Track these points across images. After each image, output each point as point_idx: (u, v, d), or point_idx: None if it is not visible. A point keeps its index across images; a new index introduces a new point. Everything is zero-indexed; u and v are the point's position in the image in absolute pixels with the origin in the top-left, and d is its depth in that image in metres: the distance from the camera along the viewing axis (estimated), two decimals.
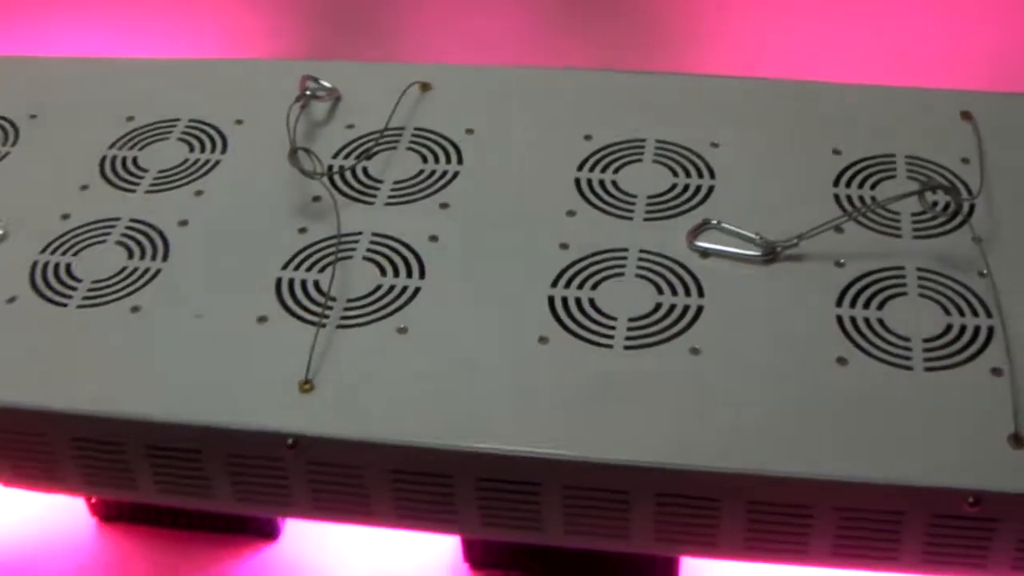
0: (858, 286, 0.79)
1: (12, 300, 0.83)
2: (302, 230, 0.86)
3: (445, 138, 0.94)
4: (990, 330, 0.76)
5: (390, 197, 0.89)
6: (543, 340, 0.77)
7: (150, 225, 0.88)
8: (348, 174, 0.91)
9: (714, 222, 0.84)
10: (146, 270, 0.84)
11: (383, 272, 0.83)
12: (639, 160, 0.90)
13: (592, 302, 0.80)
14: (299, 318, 0.80)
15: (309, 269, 0.83)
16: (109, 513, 0.89)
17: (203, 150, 0.94)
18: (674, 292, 0.80)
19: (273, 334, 0.79)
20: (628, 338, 0.77)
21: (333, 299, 0.81)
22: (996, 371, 0.73)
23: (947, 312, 0.77)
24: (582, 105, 0.95)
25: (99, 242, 0.87)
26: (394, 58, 1.16)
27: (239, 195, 0.90)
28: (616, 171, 0.89)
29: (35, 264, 0.85)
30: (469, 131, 0.94)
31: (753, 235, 0.82)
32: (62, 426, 0.76)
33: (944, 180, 0.86)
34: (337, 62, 1.02)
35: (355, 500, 0.75)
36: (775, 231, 0.82)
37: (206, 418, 0.74)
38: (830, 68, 1.06)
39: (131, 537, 0.88)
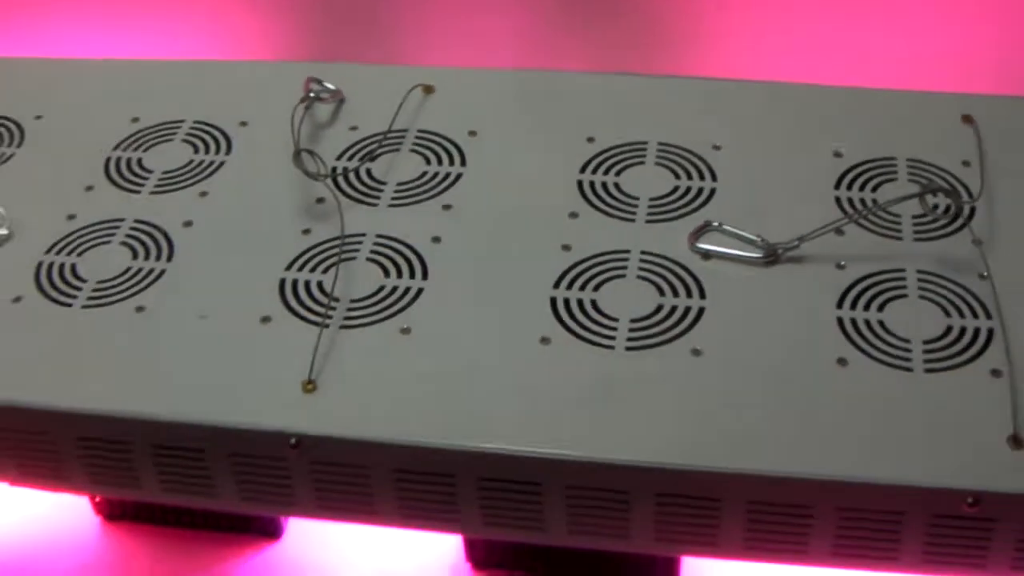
0: (859, 288, 0.79)
1: (17, 300, 0.83)
2: (306, 231, 0.87)
3: (448, 140, 0.94)
4: (990, 332, 0.76)
5: (393, 199, 0.89)
6: (545, 341, 0.78)
7: (155, 226, 0.88)
8: (352, 176, 0.91)
9: (715, 224, 0.84)
10: (151, 271, 0.85)
11: (386, 273, 0.83)
12: (641, 162, 0.91)
13: (594, 303, 0.80)
14: (303, 318, 0.80)
15: (313, 270, 0.84)
16: (113, 512, 0.90)
17: (208, 151, 0.95)
18: (675, 293, 0.80)
19: (277, 334, 0.79)
20: (630, 339, 0.77)
21: (336, 300, 0.81)
22: (996, 372, 0.74)
23: (947, 314, 0.77)
24: (584, 108, 0.96)
25: (104, 243, 0.87)
26: (397, 61, 1.17)
27: (243, 196, 0.90)
28: (618, 173, 0.90)
29: (40, 264, 0.86)
30: (472, 133, 0.94)
31: (754, 237, 0.82)
32: (67, 425, 0.77)
33: (945, 183, 0.86)
34: (341, 64, 1.02)
35: (358, 499, 0.76)
36: (776, 233, 0.82)
37: (210, 417, 0.75)
38: (831, 71, 1.06)
39: (135, 536, 0.89)
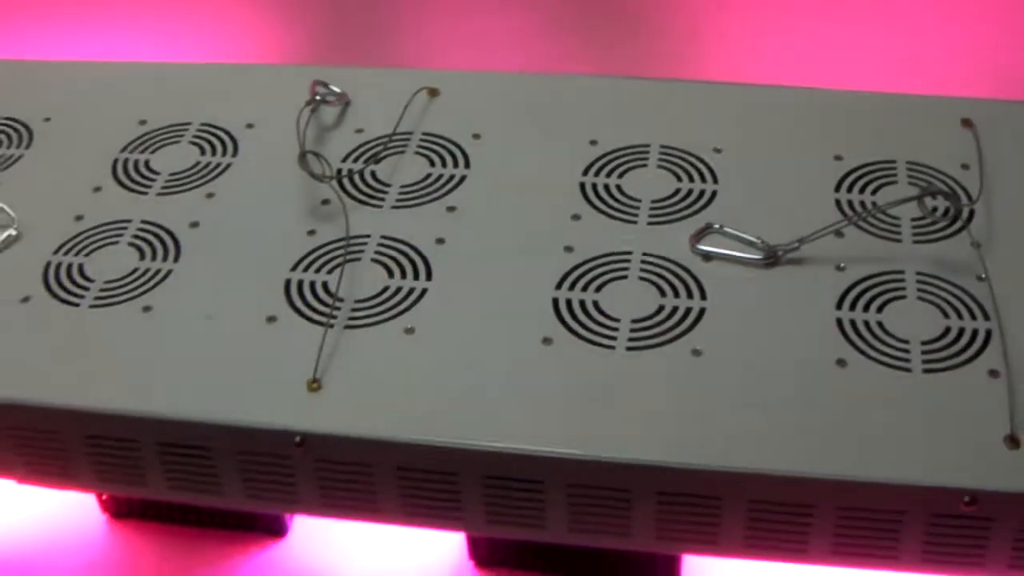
0: (858, 289, 0.80)
1: (26, 300, 0.84)
2: (311, 232, 0.87)
3: (452, 143, 0.95)
4: (988, 333, 0.77)
5: (398, 200, 0.90)
6: (547, 341, 0.78)
7: (162, 227, 0.89)
8: (357, 178, 0.92)
9: (716, 226, 0.85)
10: (157, 271, 0.85)
11: (391, 274, 0.84)
12: (643, 165, 0.91)
13: (596, 304, 0.81)
14: (308, 318, 0.81)
15: (318, 271, 0.84)
16: (120, 510, 0.90)
17: (214, 153, 0.96)
18: (676, 294, 0.81)
19: (282, 334, 0.80)
20: (631, 339, 0.78)
21: (341, 300, 0.82)
22: (993, 373, 0.74)
23: (946, 315, 0.78)
24: (587, 111, 0.96)
25: (111, 243, 0.88)
26: (403, 64, 1.17)
27: (249, 198, 0.91)
28: (620, 176, 0.90)
29: (48, 264, 0.87)
30: (476, 136, 0.95)
31: (755, 239, 0.83)
32: (74, 424, 0.77)
33: (944, 186, 0.87)
34: (347, 68, 1.03)
35: (362, 497, 0.76)
36: (776, 235, 0.83)
37: (216, 416, 0.76)
38: (832, 75, 1.06)
39: (141, 533, 0.89)
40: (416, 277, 0.83)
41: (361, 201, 0.90)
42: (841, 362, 0.76)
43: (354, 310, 0.81)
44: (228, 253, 0.86)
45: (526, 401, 0.75)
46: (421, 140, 0.95)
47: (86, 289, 0.84)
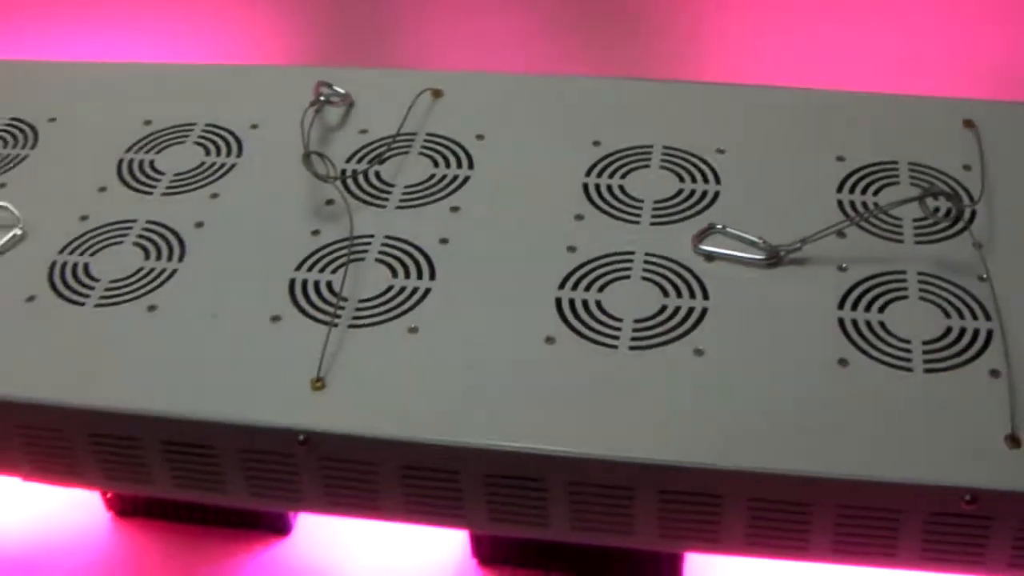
0: (860, 289, 0.80)
1: (31, 299, 0.84)
2: (315, 232, 0.88)
3: (456, 143, 0.95)
4: (989, 333, 0.77)
5: (402, 200, 0.90)
6: (550, 340, 0.79)
7: (167, 227, 0.89)
8: (361, 178, 0.92)
9: (719, 226, 0.85)
10: (162, 270, 0.86)
11: (394, 273, 0.84)
12: (646, 166, 0.92)
13: (599, 304, 0.81)
14: (312, 318, 0.81)
15: (322, 270, 0.85)
16: (124, 508, 0.91)
17: (219, 154, 0.96)
18: (679, 294, 0.81)
19: (286, 333, 0.80)
20: (633, 339, 0.78)
21: (345, 299, 0.82)
22: (994, 373, 0.75)
23: (947, 315, 0.78)
24: (590, 112, 0.97)
25: (116, 243, 0.89)
26: (406, 65, 1.18)
27: (254, 198, 0.92)
28: (623, 176, 0.91)
29: (53, 264, 0.87)
30: (479, 137, 0.95)
31: (757, 239, 0.83)
32: (79, 422, 0.78)
33: (945, 186, 0.87)
34: (351, 69, 1.03)
35: (365, 495, 0.77)
36: (779, 235, 0.83)
37: (220, 415, 0.76)
38: (834, 76, 1.07)
39: (146, 531, 0.89)
40: (420, 277, 0.84)
41: (365, 201, 0.90)
42: (843, 362, 0.76)
43: (358, 309, 0.82)
44: (232, 253, 0.87)
45: (529, 400, 0.75)
46: (425, 141, 0.95)
47: (91, 288, 0.85)
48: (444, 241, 0.86)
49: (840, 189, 0.88)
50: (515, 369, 0.77)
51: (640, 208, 0.88)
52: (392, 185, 0.92)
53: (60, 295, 0.85)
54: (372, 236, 0.87)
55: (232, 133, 0.98)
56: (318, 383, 0.77)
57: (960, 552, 0.71)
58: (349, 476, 0.76)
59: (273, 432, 0.75)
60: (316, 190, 0.91)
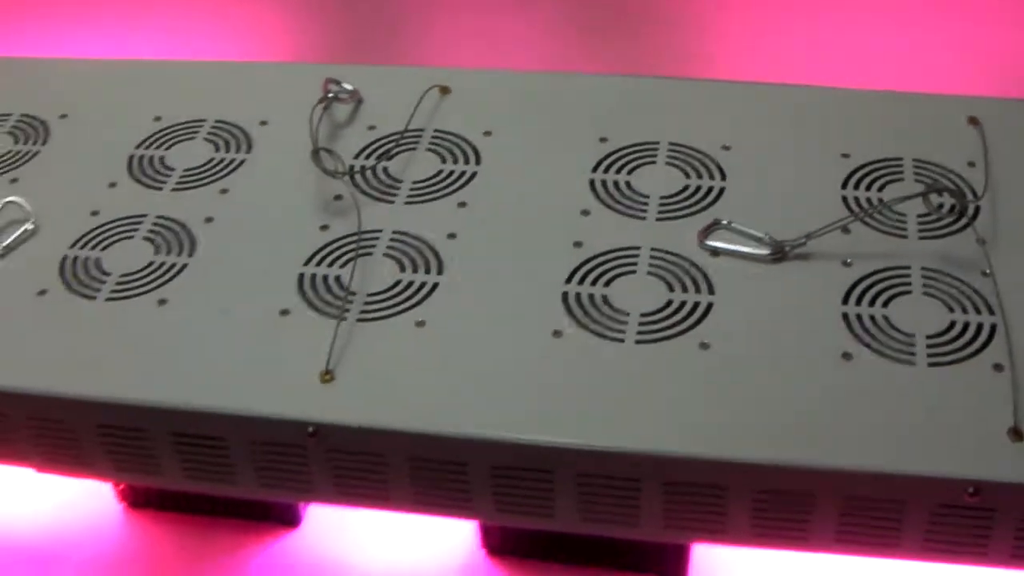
0: (864, 284, 0.81)
1: (43, 293, 0.85)
2: (324, 227, 0.88)
3: (463, 139, 0.96)
4: (992, 327, 0.77)
5: (410, 196, 0.91)
6: (557, 334, 0.79)
7: (177, 222, 0.90)
8: (369, 174, 0.93)
9: (724, 222, 0.86)
10: (173, 265, 0.87)
11: (402, 268, 0.85)
12: (652, 162, 0.92)
13: (605, 298, 0.82)
14: (321, 312, 0.82)
15: (331, 265, 0.85)
16: (136, 499, 0.91)
17: (228, 150, 0.97)
18: (684, 289, 0.82)
19: (295, 327, 0.81)
20: (640, 333, 0.79)
21: (354, 294, 0.83)
22: (997, 367, 0.75)
23: (950, 310, 0.79)
24: (597, 108, 0.97)
25: (127, 237, 0.89)
26: (414, 62, 1.19)
27: (263, 193, 0.92)
28: (630, 172, 0.91)
29: (65, 258, 0.88)
30: (487, 133, 0.96)
31: (762, 235, 0.84)
32: (91, 414, 0.79)
33: (950, 183, 0.88)
34: (359, 66, 1.04)
35: (374, 486, 0.77)
36: (784, 231, 0.84)
37: (231, 407, 0.77)
38: (839, 73, 1.07)
39: (157, 523, 0.90)
40: (427, 271, 0.84)
41: (373, 197, 0.91)
42: (847, 355, 0.77)
43: (366, 303, 0.82)
44: (242, 247, 0.87)
45: (536, 393, 0.76)
46: (432, 137, 0.96)
47: (102, 282, 0.86)
48: (452, 236, 0.87)
49: (845, 185, 0.89)
50: (522, 362, 0.78)
51: (646, 204, 0.89)
52: (400, 181, 0.92)
53: (71, 289, 0.85)
54: (380, 231, 0.88)
55: (241, 129, 0.99)
56: (327, 376, 0.78)
57: (963, 543, 0.72)
58: (358, 467, 0.77)
59: (283, 424, 0.76)
60: (325, 186, 0.92)
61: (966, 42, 1.12)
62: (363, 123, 0.98)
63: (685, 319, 0.80)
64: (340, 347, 0.79)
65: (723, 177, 0.90)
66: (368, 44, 1.23)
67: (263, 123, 0.99)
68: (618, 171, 0.92)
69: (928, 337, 0.77)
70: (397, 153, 0.95)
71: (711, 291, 0.82)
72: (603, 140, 0.94)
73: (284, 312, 0.82)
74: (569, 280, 0.83)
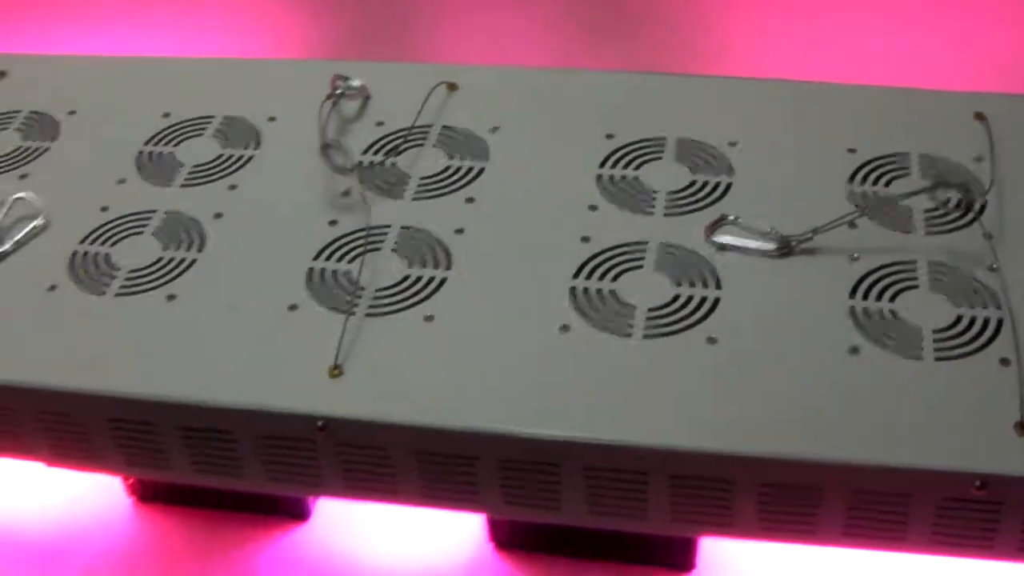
0: (871, 279, 0.81)
1: (52, 288, 0.86)
2: (333, 222, 0.89)
3: (471, 135, 0.96)
4: (999, 322, 0.78)
5: (418, 191, 0.91)
6: (564, 328, 0.80)
7: (186, 217, 0.90)
8: (377, 169, 0.93)
9: (731, 217, 0.86)
10: (182, 260, 0.87)
11: (410, 263, 0.85)
12: (659, 158, 0.92)
13: (613, 293, 0.82)
14: (329, 307, 0.82)
15: (339, 260, 0.86)
16: (145, 494, 0.92)
17: (237, 146, 0.97)
18: (692, 284, 0.82)
19: (304, 322, 0.81)
20: (647, 327, 0.79)
21: (362, 289, 0.83)
22: (1004, 361, 0.75)
23: (957, 304, 0.79)
24: (604, 105, 0.98)
25: (136, 233, 0.90)
26: (422, 59, 1.19)
27: (272, 189, 0.93)
28: (637, 168, 0.92)
29: (75, 254, 0.88)
30: (494, 129, 0.96)
31: (769, 230, 0.84)
32: (101, 409, 0.79)
33: (956, 178, 0.88)
34: (367, 62, 1.04)
35: (382, 480, 0.78)
36: (791, 226, 0.84)
37: (240, 401, 0.77)
38: (846, 69, 1.07)
39: (166, 516, 0.90)
40: (436, 266, 0.85)
41: (382, 192, 0.91)
42: (854, 350, 0.77)
43: (375, 298, 0.83)
44: (251, 243, 0.88)
45: (544, 387, 0.76)
46: (440, 133, 0.96)
47: (112, 278, 0.86)
48: (460, 231, 0.87)
49: (851, 180, 0.89)
50: (530, 357, 0.78)
51: (654, 199, 0.89)
52: (408, 176, 0.93)
53: (81, 284, 0.86)
54: (389, 226, 0.88)
55: (250, 125, 0.99)
56: (335, 370, 0.78)
57: (970, 537, 0.72)
58: (366, 461, 0.77)
59: (292, 418, 0.76)
60: (333, 181, 0.92)
61: (972, 38, 1.12)
62: (371, 119, 0.98)
63: (692, 314, 0.80)
64: (349, 342, 0.79)
65: (730, 172, 0.90)
66: (376, 40, 1.23)
67: (271, 119, 0.99)
68: (625, 166, 0.92)
69: (935, 331, 0.78)
70: (405, 149, 0.95)
71: (718, 286, 0.82)
72: (610, 136, 0.95)
73: (293, 307, 0.82)
74: (577, 275, 0.83)
